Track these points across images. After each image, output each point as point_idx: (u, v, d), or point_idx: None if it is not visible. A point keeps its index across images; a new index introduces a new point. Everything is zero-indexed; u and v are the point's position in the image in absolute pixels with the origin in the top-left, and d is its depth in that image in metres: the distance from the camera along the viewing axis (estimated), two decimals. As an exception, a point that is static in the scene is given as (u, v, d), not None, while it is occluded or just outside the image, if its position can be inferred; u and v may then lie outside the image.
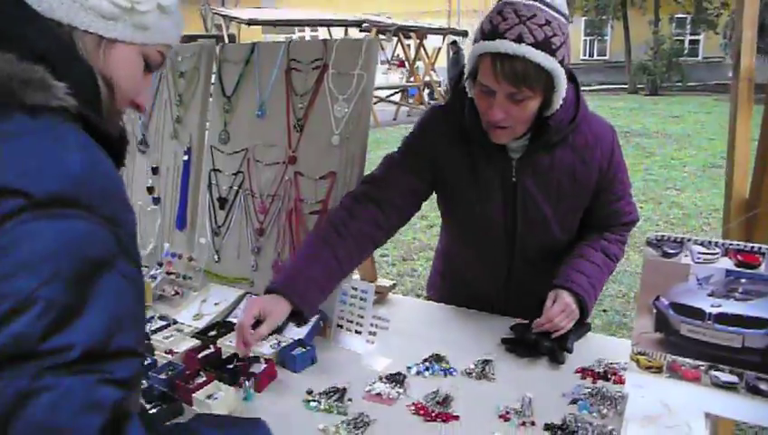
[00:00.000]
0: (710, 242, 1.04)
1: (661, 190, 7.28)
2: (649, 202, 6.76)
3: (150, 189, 2.18)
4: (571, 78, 1.56)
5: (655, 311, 1.13)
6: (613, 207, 1.74)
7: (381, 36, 13.70)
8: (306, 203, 1.82)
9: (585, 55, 26.20)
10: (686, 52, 22.81)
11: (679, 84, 20.50)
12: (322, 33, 16.25)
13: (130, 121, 2.23)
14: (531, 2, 1.39)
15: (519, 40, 1.35)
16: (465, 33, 17.41)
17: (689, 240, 1.06)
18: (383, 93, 14.86)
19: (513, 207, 1.66)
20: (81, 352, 0.63)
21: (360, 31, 13.81)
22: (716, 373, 1.07)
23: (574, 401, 1.37)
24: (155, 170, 2.17)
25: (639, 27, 21.55)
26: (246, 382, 1.42)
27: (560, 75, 1.42)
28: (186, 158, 2.09)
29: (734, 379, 1.07)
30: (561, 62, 1.41)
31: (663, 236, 1.08)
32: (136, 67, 0.89)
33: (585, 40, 25.96)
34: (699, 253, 1.05)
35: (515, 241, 1.72)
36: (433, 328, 1.80)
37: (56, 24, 0.79)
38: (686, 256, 1.06)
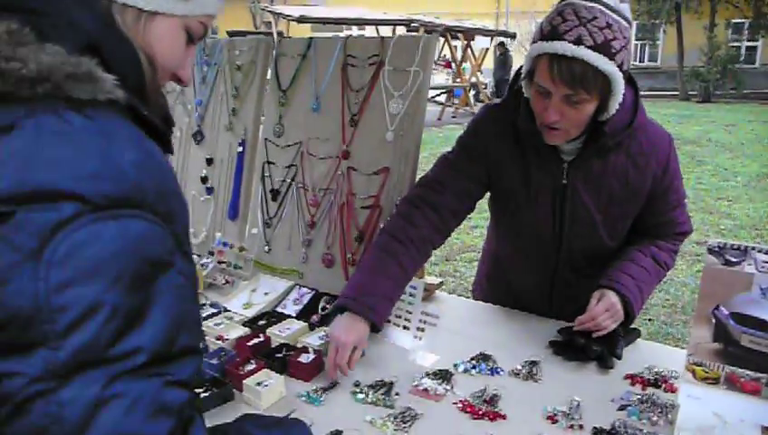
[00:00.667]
0: (776, 250, 1.02)
1: (712, 200, 7.07)
2: (699, 212, 6.57)
3: (204, 179, 2.23)
4: (631, 82, 1.54)
5: (714, 320, 1.10)
6: (667, 217, 1.71)
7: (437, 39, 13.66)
8: (358, 198, 1.84)
9: (636, 60, 25.60)
10: (742, 58, 22.08)
11: (734, 92, 19.85)
12: (370, 32, 16.33)
13: (187, 113, 2.29)
14: (592, 4, 1.37)
15: (578, 42, 1.34)
16: (513, 36, 17.23)
17: (753, 248, 1.03)
18: (429, 94, 14.82)
19: (562, 211, 1.64)
20: (149, 356, 0.64)
21: (408, 30, 13.80)
22: None
23: (623, 408, 1.36)
24: (209, 161, 2.22)
25: (693, 32, 20.95)
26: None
27: (618, 79, 1.39)
28: (240, 149, 2.13)
29: (796, 393, 1.03)
30: (620, 67, 1.38)
31: (725, 243, 1.05)
32: (178, 40, 0.85)
33: (636, 45, 25.35)
34: (764, 262, 1.02)
35: (561, 245, 1.70)
36: (480, 327, 1.79)
37: (95, 1, 0.75)
38: (749, 264, 1.03)
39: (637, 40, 24.83)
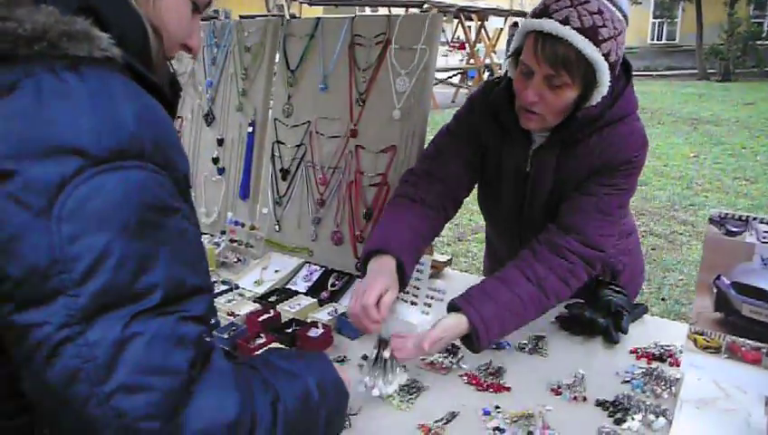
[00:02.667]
0: (777, 221, 1.02)
1: (729, 180, 6.99)
2: (715, 192, 6.51)
3: (215, 160, 2.26)
4: (626, 78, 1.52)
5: (715, 290, 1.10)
6: (576, 216, 1.50)
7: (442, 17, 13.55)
8: (366, 175, 1.86)
9: (653, 39, 25.20)
10: (764, 35, 21.61)
11: (755, 69, 19.46)
12: (383, 12, 16.22)
13: (198, 95, 2.31)
14: None
15: (565, 22, 1.33)
16: (527, 15, 17.01)
17: (755, 218, 1.03)
18: (442, 75, 14.72)
19: (523, 195, 1.64)
20: (162, 295, 0.68)
21: (422, 11, 13.69)
22: None
23: (627, 381, 1.37)
24: (220, 142, 2.24)
25: (713, 9, 20.51)
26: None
27: (602, 69, 1.36)
28: (250, 130, 2.15)
29: (797, 362, 1.04)
30: (607, 56, 1.36)
31: (726, 213, 1.06)
32: (184, 9, 0.89)
33: (654, 23, 24.96)
34: (765, 232, 1.02)
35: (521, 228, 1.70)
36: (487, 303, 1.81)
37: None
38: (750, 234, 1.04)
39: (654, 18, 24.46)
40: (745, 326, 1.07)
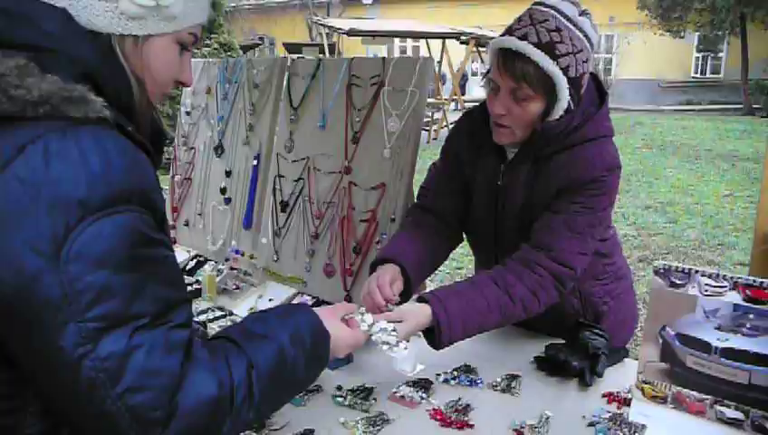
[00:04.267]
0: (718, 275, 1.03)
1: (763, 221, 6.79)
2: (747, 232, 6.33)
3: (223, 190, 2.37)
4: (600, 102, 1.61)
5: (661, 341, 1.12)
6: (552, 222, 1.56)
7: (481, 48, 13.67)
8: (357, 211, 1.93)
9: (697, 73, 24.80)
10: (813, 71, 21.04)
11: (802, 106, 18.94)
12: (422, 45, 16.42)
13: (210, 128, 2.43)
14: (548, 9, 1.49)
15: (524, 38, 1.46)
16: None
17: (697, 272, 1.05)
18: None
19: (495, 208, 1.70)
20: (154, 313, 0.83)
21: (461, 43, 13.85)
22: (722, 409, 1.05)
23: (592, 425, 1.38)
24: (228, 173, 2.35)
25: (759, 43, 20.09)
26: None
27: (560, 82, 1.47)
28: (255, 163, 2.25)
29: (739, 416, 1.04)
30: (565, 71, 1.46)
31: (670, 266, 1.08)
32: (172, 53, 0.99)
33: (697, 57, 24.57)
34: (707, 284, 1.04)
35: (497, 241, 1.74)
36: (471, 339, 1.82)
37: (97, 36, 0.90)
38: (693, 287, 1.05)
39: (698, 52, 24.09)
40: (690, 377, 1.08)
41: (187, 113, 2.58)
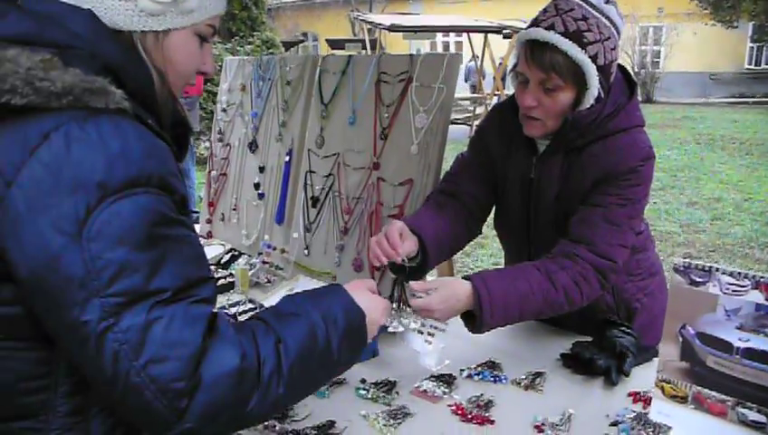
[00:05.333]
0: (740, 273, 1.00)
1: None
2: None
3: (257, 186, 2.42)
4: (630, 93, 1.60)
5: (681, 339, 1.10)
6: (589, 215, 1.54)
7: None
8: (385, 207, 1.94)
9: (751, 64, 23.82)
10: None
11: None
12: (464, 39, 16.28)
13: (244, 124, 2.49)
14: (576, 0, 1.48)
15: (550, 28, 1.46)
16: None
17: (717, 269, 1.03)
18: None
19: (528, 203, 1.69)
20: (173, 289, 0.87)
21: (504, 37, 13.68)
22: (744, 411, 1.03)
23: (615, 424, 1.37)
24: (262, 169, 2.40)
25: (819, 33, 19.24)
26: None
27: (589, 70, 1.47)
28: (287, 159, 2.29)
29: (762, 418, 1.01)
30: (594, 59, 1.46)
31: (690, 263, 1.06)
32: (192, 45, 1.03)
33: (752, 47, 23.58)
34: (728, 283, 1.01)
35: (530, 237, 1.73)
36: (497, 335, 1.82)
37: (120, 33, 0.95)
38: (714, 285, 1.03)
39: (752, 42, 23.11)
40: (711, 378, 1.06)
41: (223, 110, 2.64)
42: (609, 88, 1.56)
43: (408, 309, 1.45)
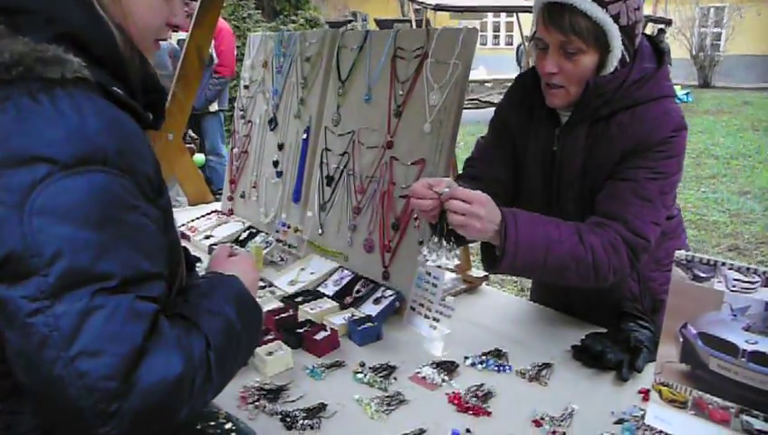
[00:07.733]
0: (748, 268, 0.91)
1: None
2: None
3: (276, 163, 2.39)
4: (659, 62, 1.52)
5: (681, 339, 1.00)
6: (620, 190, 1.47)
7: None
8: (397, 187, 1.89)
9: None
10: None
11: None
12: (514, 19, 15.82)
13: (265, 101, 2.46)
14: None
15: None
16: (669, 22, 15.95)
17: (723, 264, 0.93)
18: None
19: (551, 178, 1.61)
20: (120, 278, 0.80)
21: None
22: (748, 419, 0.93)
23: (619, 422, 1.29)
24: (281, 147, 2.37)
25: None
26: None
27: (612, 31, 1.40)
28: (305, 137, 2.25)
29: (768, 427, 0.93)
30: (617, 19, 1.39)
31: (693, 256, 0.96)
32: None
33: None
34: (735, 280, 0.92)
35: (552, 212, 1.62)
36: (509, 323, 1.77)
37: None
38: (719, 281, 0.93)
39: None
40: (713, 382, 0.96)
41: (246, 87, 2.62)
42: (635, 52, 1.47)
43: (447, 245, 1.43)
